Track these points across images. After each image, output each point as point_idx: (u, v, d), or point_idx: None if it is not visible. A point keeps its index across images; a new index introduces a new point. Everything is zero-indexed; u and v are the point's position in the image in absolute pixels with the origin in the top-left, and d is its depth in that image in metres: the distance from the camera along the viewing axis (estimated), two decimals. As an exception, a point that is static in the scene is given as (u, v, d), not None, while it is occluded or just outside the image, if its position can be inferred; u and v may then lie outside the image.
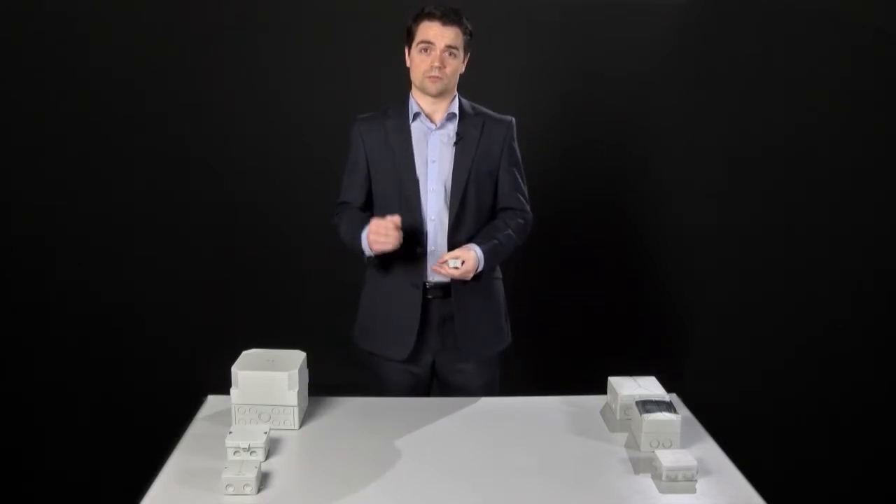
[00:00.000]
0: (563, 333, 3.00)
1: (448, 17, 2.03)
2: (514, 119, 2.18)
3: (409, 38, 2.10)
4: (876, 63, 2.83)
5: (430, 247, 2.09)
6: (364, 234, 2.01)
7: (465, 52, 2.10)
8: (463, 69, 2.12)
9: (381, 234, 1.95)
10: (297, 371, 1.77)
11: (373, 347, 2.18)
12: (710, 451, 1.73)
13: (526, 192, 2.20)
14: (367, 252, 2.04)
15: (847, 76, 2.84)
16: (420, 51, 2.05)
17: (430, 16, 2.04)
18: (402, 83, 2.16)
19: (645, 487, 1.57)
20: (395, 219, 1.95)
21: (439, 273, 2.01)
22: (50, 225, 2.84)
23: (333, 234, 2.19)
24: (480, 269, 2.05)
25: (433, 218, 2.09)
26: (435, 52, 2.03)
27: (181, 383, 2.33)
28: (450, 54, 2.05)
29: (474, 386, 2.16)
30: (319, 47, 2.81)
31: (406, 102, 2.13)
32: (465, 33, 2.07)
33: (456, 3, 2.08)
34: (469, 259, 1.99)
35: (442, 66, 2.03)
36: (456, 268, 1.98)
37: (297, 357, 1.84)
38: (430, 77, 2.04)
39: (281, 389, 1.76)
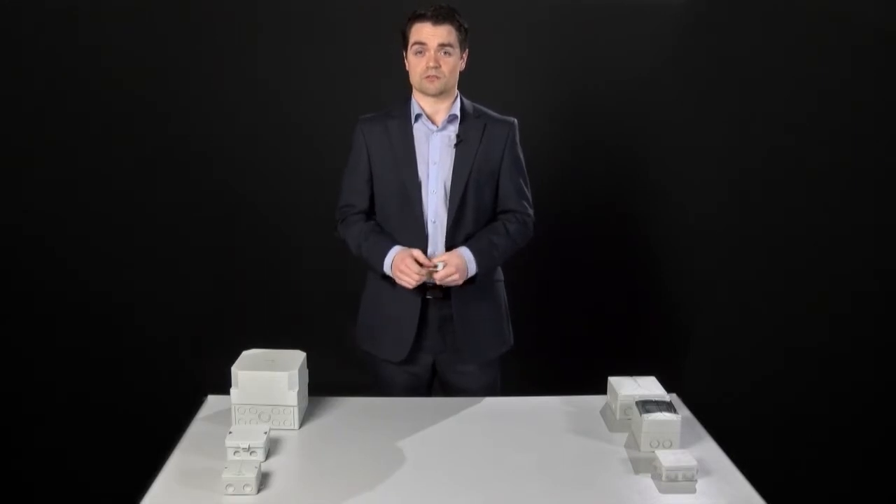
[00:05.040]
0: (563, 334, 3.00)
1: (439, 16, 2.03)
2: (516, 121, 2.18)
3: (404, 41, 2.10)
4: (876, 63, 2.83)
5: (429, 248, 2.09)
6: (388, 262, 2.05)
7: (462, 48, 2.09)
8: (463, 66, 2.12)
9: (407, 275, 1.99)
10: (297, 371, 1.77)
11: (371, 348, 2.18)
12: (710, 451, 1.73)
13: (528, 195, 2.20)
14: (389, 274, 2.06)
15: (847, 76, 2.84)
16: (415, 53, 2.06)
17: (421, 17, 2.04)
18: (402, 83, 2.16)
19: (645, 487, 1.57)
20: (418, 255, 2.01)
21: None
22: (50, 225, 2.84)
23: (333, 236, 2.20)
24: (473, 272, 2.05)
25: (433, 220, 2.09)
26: (429, 52, 2.03)
27: (181, 383, 2.33)
28: (444, 52, 2.04)
29: (475, 388, 2.16)
30: (319, 47, 2.81)
31: (408, 103, 2.13)
32: (458, 30, 2.06)
33: (458, 4, 2.08)
34: (451, 263, 2.00)
35: (437, 66, 2.03)
36: (436, 270, 1.99)
37: (297, 357, 1.84)
38: (427, 78, 2.04)
39: (281, 389, 1.76)
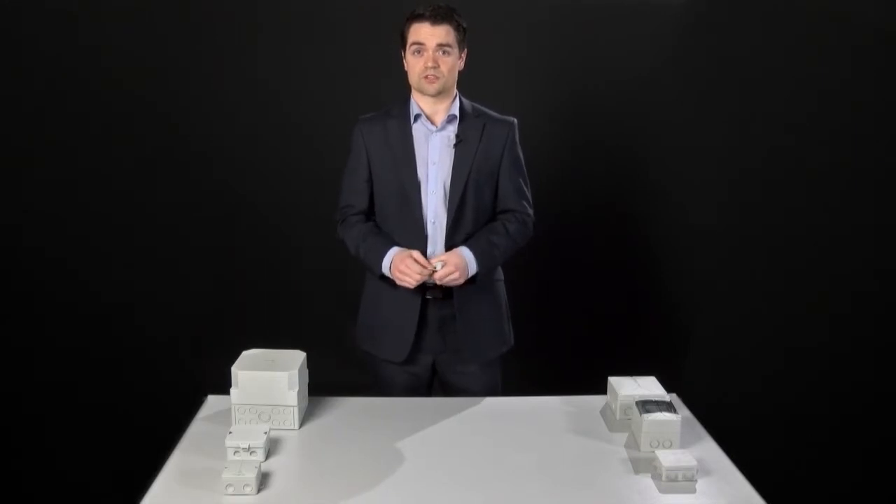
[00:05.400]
0: (563, 334, 3.00)
1: (437, 16, 2.02)
2: (516, 120, 2.17)
3: (402, 41, 2.09)
4: (876, 63, 2.83)
5: (429, 248, 2.09)
6: (387, 263, 2.04)
7: (461, 48, 2.09)
8: (461, 66, 2.11)
9: (407, 275, 1.98)
10: (297, 371, 1.77)
11: (371, 348, 2.18)
12: (710, 451, 1.73)
13: (528, 194, 2.19)
14: (387, 275, 2.06)
15: (847, 76, 2.84)
16: (413, 52, 2.05)
17: (420, 17, 2.03)
18: (402, 83, 2.16)
19: (645, 487, 1.57)
20: (418, 256, 1.99)
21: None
22: (50, 225, 2.84)
23: (334, 236, 2.20)
24: (474, 272, 2.05)
25: (433, 220, 2.09)
26: (427, 52, 2.02)
27: (181, 383, 2.33)
28: (443, 53, 2.03)
29: (475, 388, 2.15)
30: (319, 47, 2.81)
31: (407, 103, 2.13)
32: (457, 30, 2.05)
33: (457, 4, 2.08)
34: (450, 262, 2.00)
35: (436, 66, 2.02)
36: (434, 270, 1.99)
37: (297, 357, 1.84)
38: (425, 78, 2.03)
39: (281, 389, 1.76)
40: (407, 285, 2.01)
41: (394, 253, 2.05)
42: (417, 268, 1.98)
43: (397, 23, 2.12)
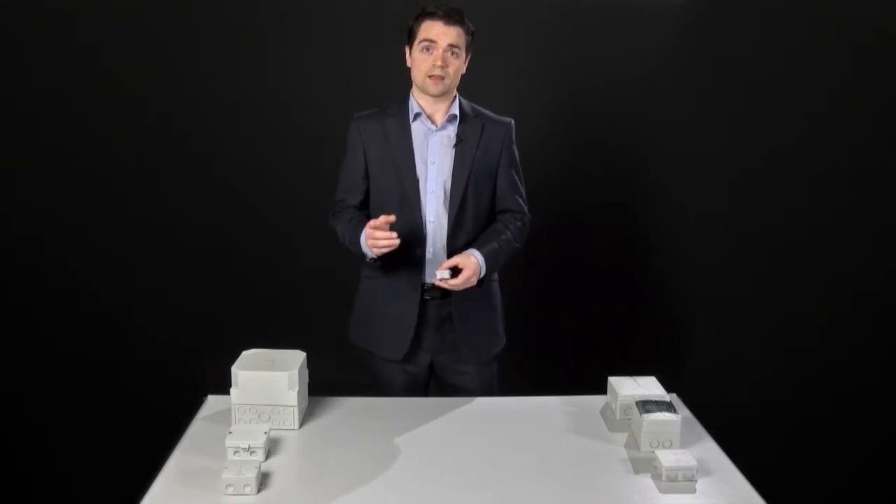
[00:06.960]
0: (562, 333, 3.00)
1: (451, 17, 2.02)
2: (512, 121, 2.18)
3: (410, 37, 2.08)
4: (876, 63, 2.83)
5: (428, 248, 2.09)
6: (363, 240, 2.00)
7: (467, 52, 2.09)
8: (464, 69, 2.11)
9: (379, 239, 1.91)
10: (297, 371, 1.77)
11: (369, 346, 2.18)
12: (710, 451, 1.73)
13: (524, 194, 2.20)
14: (370, 255, 2.02)
15: (847, 76, 2.84)
16: (422, 49, 2.04)
17: (433, 15, 2.02)
18: (403, 83, 2.16)
19: (645, 487, 1.57)
20: (389, 218, 1.91)
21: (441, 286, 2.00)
22: (50, 225, 2.84)
23: (332, 235, 2.19)
24: (482, 275, 2.04)
25: (432, 220, 2.09)
26: (437, 51, 2.02)
27: (181, 383, 2.33)
28: (452, 54, 2.03)
29: (472, 387, 2.16)
30: (319, 47, 2.81)
31: (406, 101, 2.13)
32: (467, 33, 2.06)
33: (458, 3, 2.08)
34: (468, 266, 1.98)
35: (444, 66, 2.02)
36: (444, 280, 1.96)
37: (297, 357, 1.84)
38: (432, 77, 2.03)
39: (281, 389, 1.76)
40: (382, 250, 1.92)
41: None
42: (376, 233, 1.89)
43: (397, 23, 2.12)
